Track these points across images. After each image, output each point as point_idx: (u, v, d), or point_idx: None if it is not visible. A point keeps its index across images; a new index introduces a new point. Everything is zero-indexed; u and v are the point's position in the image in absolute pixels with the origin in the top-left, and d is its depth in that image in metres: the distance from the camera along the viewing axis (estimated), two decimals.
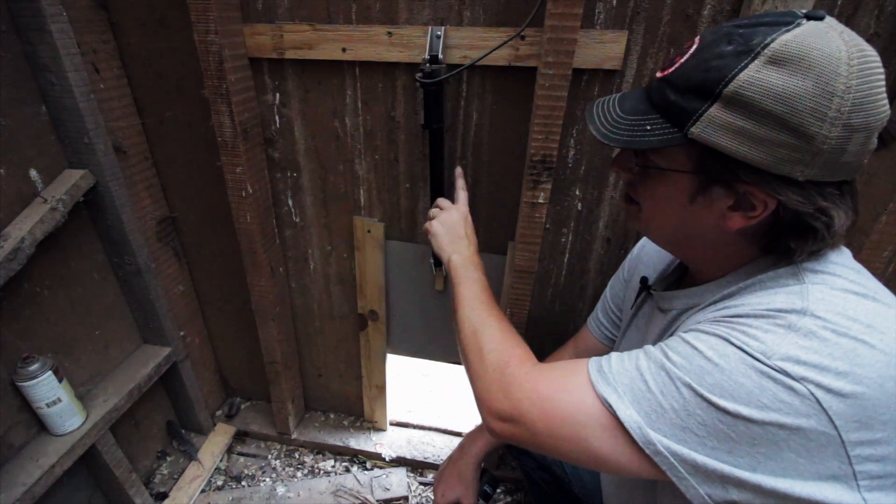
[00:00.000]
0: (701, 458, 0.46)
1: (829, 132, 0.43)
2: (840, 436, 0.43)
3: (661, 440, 0.48)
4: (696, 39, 0.51)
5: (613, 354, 0.55)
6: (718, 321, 0.51)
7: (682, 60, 0.50)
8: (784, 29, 0.44)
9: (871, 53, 0.44)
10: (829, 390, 0.43)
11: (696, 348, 0.48)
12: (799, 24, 0.44)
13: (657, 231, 0.62)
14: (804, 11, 0.45)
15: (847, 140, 0.44)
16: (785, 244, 0.50)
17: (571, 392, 0.53)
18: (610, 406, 0.50)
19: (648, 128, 0.51)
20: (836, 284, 0.49)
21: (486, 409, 0.60)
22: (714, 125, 0.46)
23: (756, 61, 0.44)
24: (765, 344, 0.45)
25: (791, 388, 0.43)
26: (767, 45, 0.44)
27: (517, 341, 0.66)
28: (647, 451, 0.48)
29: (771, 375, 0.44)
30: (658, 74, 0.54)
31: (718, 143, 0.47)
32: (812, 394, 0.43)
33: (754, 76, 0.44)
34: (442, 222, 0.89)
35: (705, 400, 0.46)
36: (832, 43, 0.42)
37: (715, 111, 0.46)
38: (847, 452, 0.43)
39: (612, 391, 0.51)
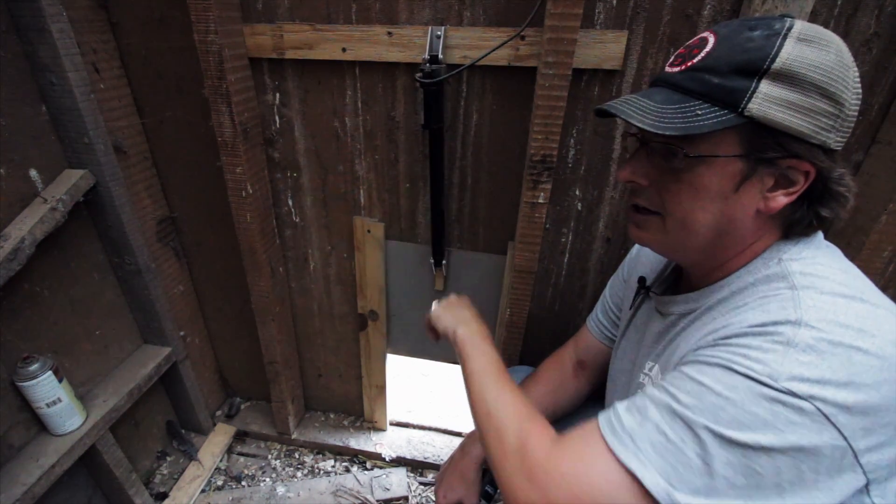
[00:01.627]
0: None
1: (850, 98, 0.48)
2: (851, 446, 0.43)
3: (691, 501, 0.46)
4: (710, 34, 0.52)
5: (621, 407, 0.53)
6: (717, 344, 0.50)
7: (708, 50, 0.51)
8: (790, 20, 0.49)
9: None
10: (834, 404, 0.43)
11: (703, 384, 0.47)
12: (786, 20, 0.49)
13: (688, 236, 0.57)
14: (780, 15, 0.51)
15: (857, 107, 0.49)
16: (815, 214, 0.53)
17: (593, 464, 0.51)
18: (634, 473, 0.48)
19: (699, 112, 0.50)
20: (825, 288, 0.49)
21: (511, 499, 0.57)
22: (769, 100, 0.48)
23: (789, 40, 0.47)
24: (769, 366, 0.45)
25: (800, 409, 0.43)
26: (791, 28, 0.48)
27: (531, 415, 0.63)
28: None
29: (781, 399, 0.44)
30: (677, 69, 0.54)
31: (774, 118, 0.48)
32: (819, 410, 0.43)
33: (794, 51, 0.47)
34: (442, 305, 0.87)
35: (725, 439, 0.45)
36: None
37: (766, 87, 0.48)
38: (859, 461, 0.44)
39: (633, 456, 0.48)
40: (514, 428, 0.60)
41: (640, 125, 0.51)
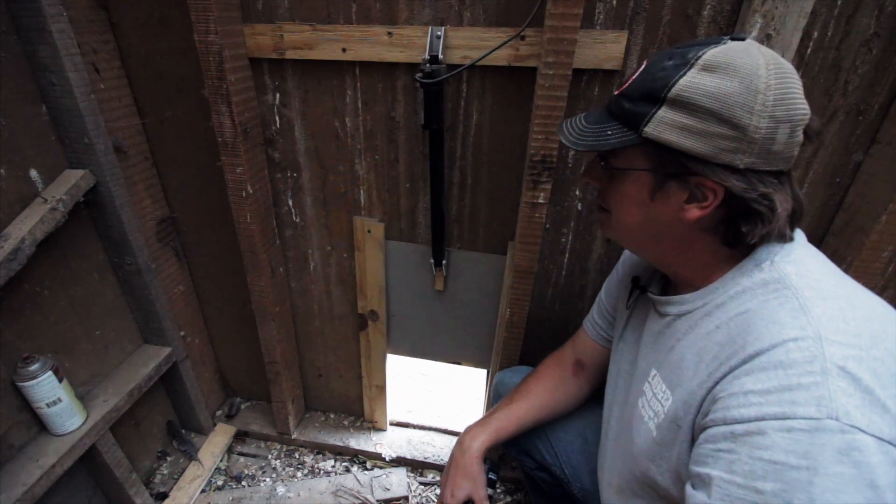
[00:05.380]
0: None
1: (758, 123, 0.50)
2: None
3: None
4: (645, 62, 0.60)
5: None
6: (753, 393, 0.48)
7: (633, 78, 0.59)
8: (713, 46, 0.53)
9: (786, 63, 0.53)
10: (880, 425, 0.44)
11: (774, 461, 0.45)
12: (725, 42, 0.53)
13: (626, 232, 0.65)
14: (730, 35, 0.55)
15: (775, 130, 0.51)
16: (738, 230, 0.56)
17: None
18: None
19: (609, 133, 0.59)
20: (825, 292, 0.52)
21: None
22: (663, 124, 0.54)
23: (692, 70, 0.52)
24: (825, 405, 0.44)
25: (867, 446, 0.43)
26: (700, 56, 0.52)
27: None
28: None
29: (853, 445, 0.43)
30: (616, 93, 0.61)
31: (668, 139, 0.54)
32: (881, 438, 0.44)
33: (691, 81, 0.52)
34: None
35: None
36: (752, 54, 0.51)
37: (662, 112, 0.54)
38: None
39: None
40: None
41: (564, 141, 0.63)
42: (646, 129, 0.55)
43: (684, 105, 0.52)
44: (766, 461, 0.46)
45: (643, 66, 0.59)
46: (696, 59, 0.52)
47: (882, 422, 0.44)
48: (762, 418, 0.47)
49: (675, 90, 0.53)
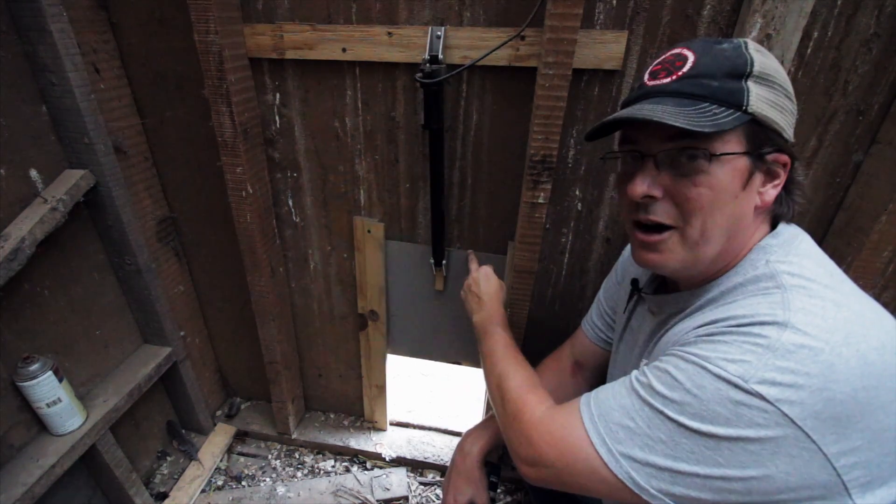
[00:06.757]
0: (695, 493, 0.50)
1: (793, 97, 0.55)
2: (821, 449, 0.45)
3: (653, 484, 0.52)
4: (685, 50, 0.55)
5: (601, 393, 0.59)
6: (701, 339, 0.53)
7: (694, 61, 0.54)
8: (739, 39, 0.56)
9: None
10: (802, 408, 0.45)
11: (676, 379, 0.51)
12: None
13: (706, 245, 0.55)
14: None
15: (794, 103, 0.56)
16: (791, 203, 0.57)
17: (571, 436, 0.58)
18: (601, 458, 0.54)
19: (716, 112, 0.50)
20: (815, 290, 0.51)
21: (515, 456, 0.66)
22: (760, 99, 0.52)
23: (751, 50, 0.53)
24: (742, 367, 0.47)
25: (764, 411, 0.45)
26: (746, 42, 0.54)
27: (532, 386, 0.71)
28: (644, 497, 0.53)
29: (746, 402, 0.46)
30: (668, 80, 0.54)
31: (767, 114, 0.52)
32: (785, 413, 0.45)
33: (760, 58, 0.53)
34: (484, 273, 1.01)
35: (687, 428, 0.49)
36: None
37: (753, 87, 0.52)
38: (832, 464, 0.45)
39: (602, 444, 0.55)
40: (515, 396, 0.70)
41: (678, 125, 0.49)
42: (750, 103, 0.50)
43: (765, 80, 0.52)
44: (670, 375, 0.51)
45: (695, 53, 0.53)
46: (745, 44, 0.54)
47: (804, 405, 0.44)
48: (692, 353, 0.51)
49: (757, 66, 0.52)
